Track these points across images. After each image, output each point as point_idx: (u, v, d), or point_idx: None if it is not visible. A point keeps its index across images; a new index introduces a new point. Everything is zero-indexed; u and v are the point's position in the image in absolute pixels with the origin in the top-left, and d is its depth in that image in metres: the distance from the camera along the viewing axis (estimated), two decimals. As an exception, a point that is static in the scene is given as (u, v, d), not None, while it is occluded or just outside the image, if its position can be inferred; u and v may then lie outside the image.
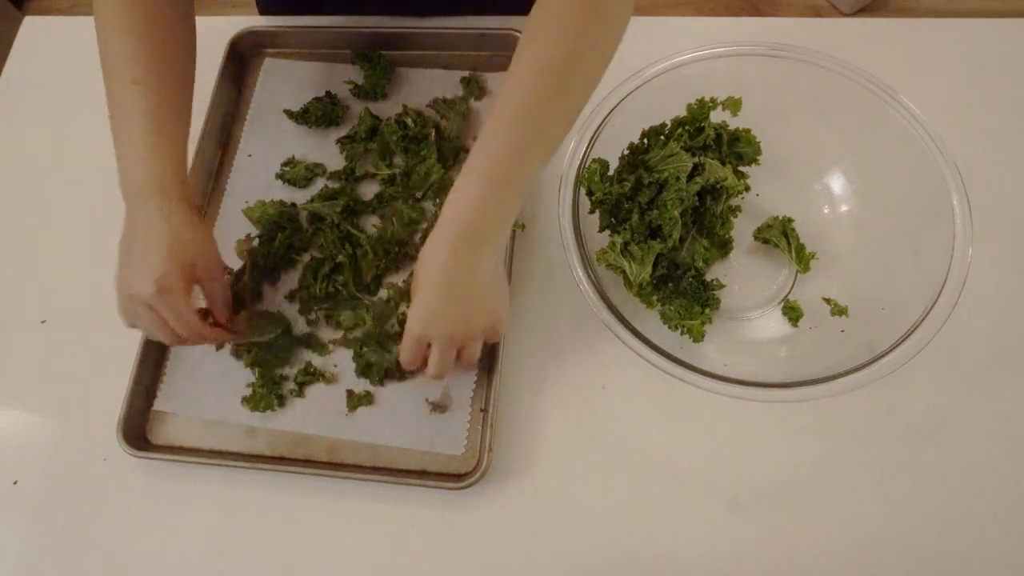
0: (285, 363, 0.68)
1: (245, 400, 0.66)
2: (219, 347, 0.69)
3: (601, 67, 0.58)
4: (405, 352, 0.59)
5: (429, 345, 0.58)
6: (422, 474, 0.63)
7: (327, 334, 0.70)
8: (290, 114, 0.79)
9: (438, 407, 0.65)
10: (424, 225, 0.73)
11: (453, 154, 0.75)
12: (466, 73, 0.79)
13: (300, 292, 0.71)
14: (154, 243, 0.58)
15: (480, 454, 0.62)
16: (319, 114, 0.78)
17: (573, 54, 0.56)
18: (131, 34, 0.61)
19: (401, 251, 0.71)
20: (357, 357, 0.67)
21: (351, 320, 0.69)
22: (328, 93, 0.79)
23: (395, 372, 0.66)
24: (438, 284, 0.57)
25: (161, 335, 0.60)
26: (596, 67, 0.58)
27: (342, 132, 0.78)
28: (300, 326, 0.70)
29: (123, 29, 0.61)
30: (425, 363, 0.59)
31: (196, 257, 0.61)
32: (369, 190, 0.76)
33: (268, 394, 0.66)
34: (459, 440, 0.64)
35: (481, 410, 0.65)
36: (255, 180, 0.77)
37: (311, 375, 0.67)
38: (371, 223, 0.74)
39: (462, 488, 0.61)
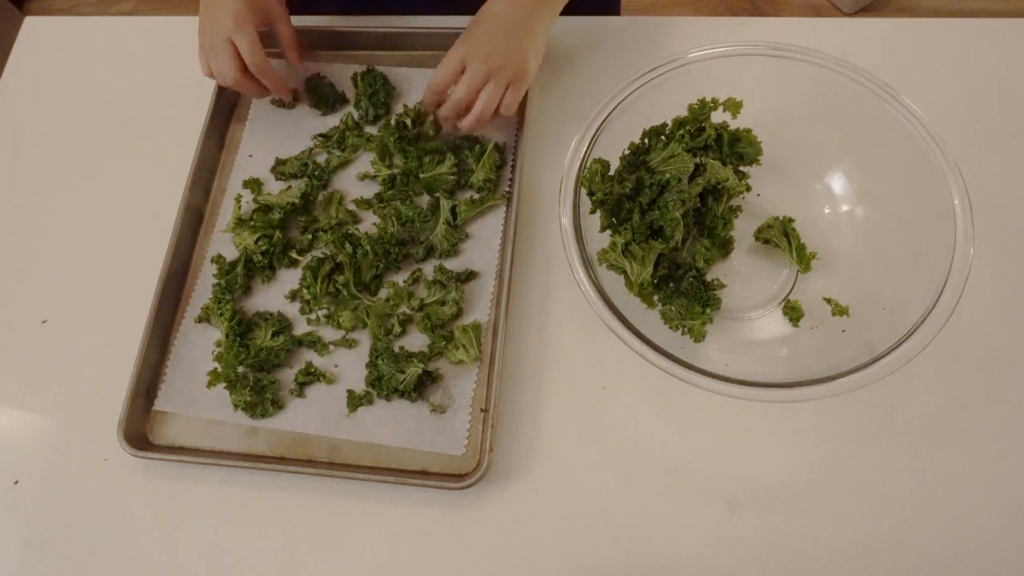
0: (285, 365, 0.68)
1: (237, 406, 0.66)
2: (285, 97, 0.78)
3: None
4: (442, 67, 0.70)
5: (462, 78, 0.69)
6: (423, 474, 0.63)
7: (328, 334, 0.69)
8: (292, 99, 0.80)
9: (438, 407, 0.65)
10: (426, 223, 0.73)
11: (451, 149, 0.75)
12: None
13: (300, 292, 0.71)
14: None
15: (481, 454, 0.62)
16: (317, 98, 0.79)
17: None
18: None
19: (401, 251, 0.71)
20: (371, 366, 0.66)
21: (351, 321, 0.69)
22: (329, 82, 0.80)
23: (408, 393, 0.65)
24: (492, 19, 0.70)
25: (232, 73, 0.71)
26: None
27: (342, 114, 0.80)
28: (300, 326, 0.70)
29: None
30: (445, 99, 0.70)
31: (264, 2, 0.72)
32: (369, 190, 0.76)
33: (260, 401, 0.66)
34: (460, 440, 0.64)
35: (482, 410, 0.65)
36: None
37: (312, 375, 0.67)
38: (372, 223, 0.74)
39: (463, 488, 0.61)
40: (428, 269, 0.71)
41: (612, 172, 0.63)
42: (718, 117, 0.64)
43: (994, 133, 0.73)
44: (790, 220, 0.67)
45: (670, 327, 0.63)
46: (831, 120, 0.67)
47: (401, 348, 0.67)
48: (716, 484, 0.62)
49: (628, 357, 0.56)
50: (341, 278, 0.70)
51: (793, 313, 0.65)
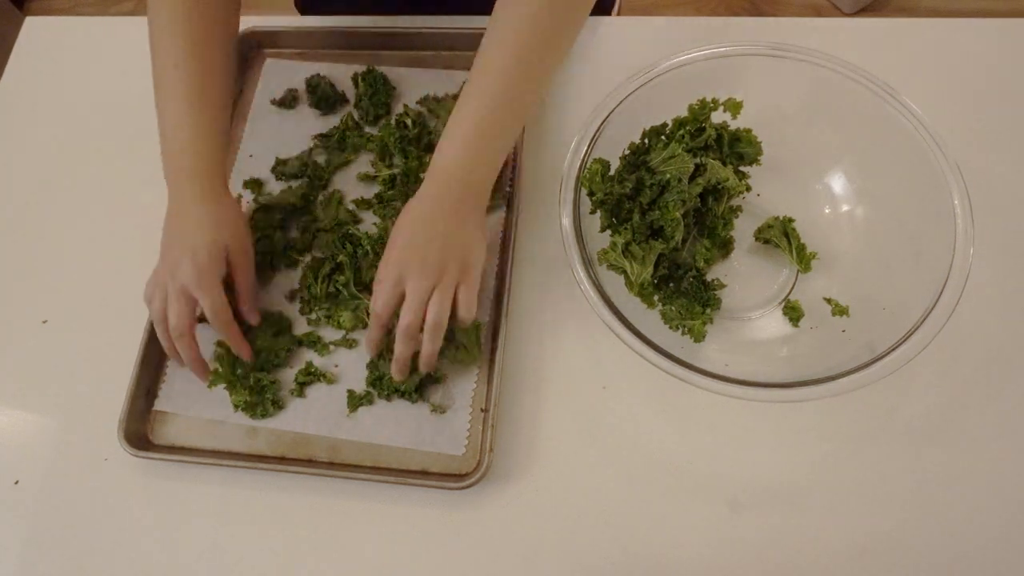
0: (285, 365, 0.68)
1: (237, 406, 0.66)
2: (209, 382, 0.66)
3: (582, 16, 0.62)
4: (379, 295, 0.60)
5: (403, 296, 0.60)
6: (423, 474, 0.63)
7: (328, 334, 0.69)
8: (292, 99, 0.80)
9: (439, 407, 0.65)
10: None
11: None
12: (466, 73, 0.80)
13: (300, 292, 0.71)
14: (193, 226, 0.63)
15: (481, 454, 0.63)
16: (317, 97, 0.79)
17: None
18: (174, 22, 0.64)
19: None
20: (371, 366, 0.66)
21: (351, 321, 0.69)
22: (329, 82, 0.80)
23: (409, 394, 0.65)
24: (415, 224, 0.60)
25: (185, 327, 0.62)
26: (578, 15, 0.62)
27: (342, 114, 0.80)
28: (300, 326, 0.70)
29: (168, 20, 0.65)
30: (397, 315, 0.61)
31: (230, 238, 0.65)
32: (369, 190, 0.76)
33: (261, 401, 0.66)
34: (460, 440, 0.64)
35: (482, 410, 0.65)
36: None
37: (312, 375, 0.67)
38: (372, 223, 0.74)
39: (463, 488, 0.61)
40: None
41: (612, 172, 0.63)
42: (718, 117, 0.64)
43: (994, 133, 0.73)
44: (790, 220, 0.67)
45: (670, 327, 0.63)
46: (831, 120, 0.67)
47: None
48: (716, 484, 0.62)
49: (628, 357, 0.56)
50: (341, 278, 0.70)
51: (793, 313, 0.65)
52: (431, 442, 0.64)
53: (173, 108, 0.64)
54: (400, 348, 0.61)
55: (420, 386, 0.65)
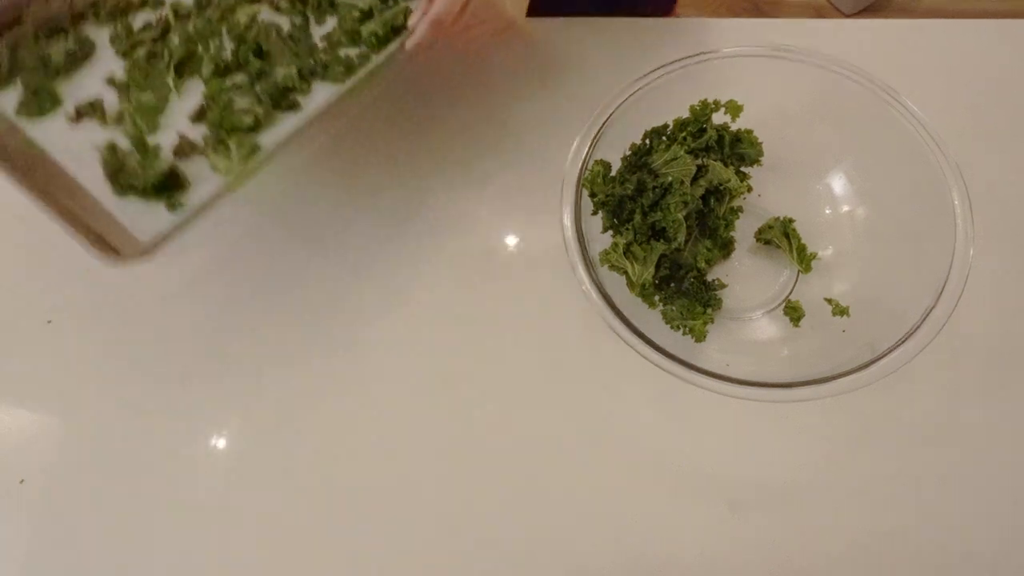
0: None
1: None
2: None
3: None
4: None
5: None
6: (425, 474, 0.63)
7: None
8: None
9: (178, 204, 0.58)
10: None
11: None
12: None
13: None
14: None
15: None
16: None
17: None
18: None
19: None
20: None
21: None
22: None
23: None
24: None
25: None
26: None
27: None
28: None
29: None
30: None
31: None
32: None
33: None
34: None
35: (483, 410, 0.65)
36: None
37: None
38: None
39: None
40: None
41: (613, 173, 0.63)
42: (719, 118, 0.64)
43: (995, 134, 0.73)
44: (791, 220, 0.67)
45: (671, 327, 0.63)
46: (832, 121, 0.68)
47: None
48: (716, 484, 0.62)
49: (629, 357, 0.57)
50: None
51: (794, 313, 0.65)
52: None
53: None
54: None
55: (163, 185, 0.56)
